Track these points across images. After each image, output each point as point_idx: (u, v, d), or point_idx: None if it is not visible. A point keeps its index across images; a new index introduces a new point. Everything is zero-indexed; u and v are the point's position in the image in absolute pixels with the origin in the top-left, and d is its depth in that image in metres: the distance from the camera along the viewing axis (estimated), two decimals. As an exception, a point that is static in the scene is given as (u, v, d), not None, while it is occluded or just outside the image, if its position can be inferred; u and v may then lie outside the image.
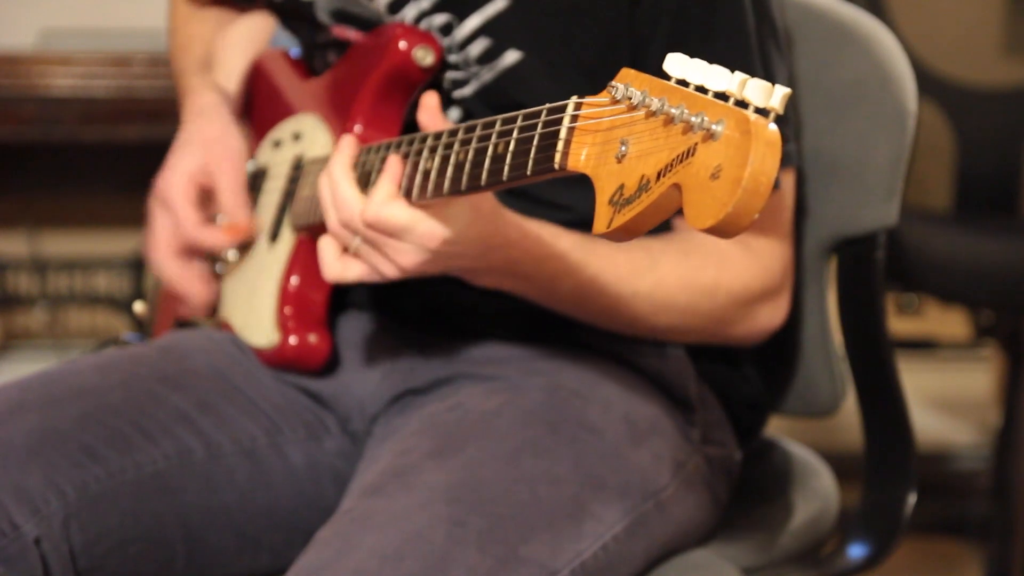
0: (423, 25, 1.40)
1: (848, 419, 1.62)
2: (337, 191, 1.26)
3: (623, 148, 0.96)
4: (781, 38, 1.40)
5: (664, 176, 0.91)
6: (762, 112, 0.88)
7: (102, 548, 1.30)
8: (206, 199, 1.47)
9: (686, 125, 0.90)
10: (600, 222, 0.96)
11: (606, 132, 0.99)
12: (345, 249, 1.28)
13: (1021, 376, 2.67)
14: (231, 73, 1.60)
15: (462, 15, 1.38)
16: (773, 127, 0.87)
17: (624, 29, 1.34)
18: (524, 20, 1.36)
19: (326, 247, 1.29)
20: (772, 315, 1.41)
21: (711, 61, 1.33)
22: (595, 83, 1.03)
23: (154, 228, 1.48)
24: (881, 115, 1.50)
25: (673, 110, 0.91)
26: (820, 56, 1.53)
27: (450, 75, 1.40)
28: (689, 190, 0.90)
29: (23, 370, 1.45)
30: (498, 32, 1.36)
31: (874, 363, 1.53)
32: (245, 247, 1.51)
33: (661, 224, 1.38)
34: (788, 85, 1.33)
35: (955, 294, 2.60)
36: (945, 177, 2.80)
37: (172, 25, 1.70)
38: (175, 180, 1.46)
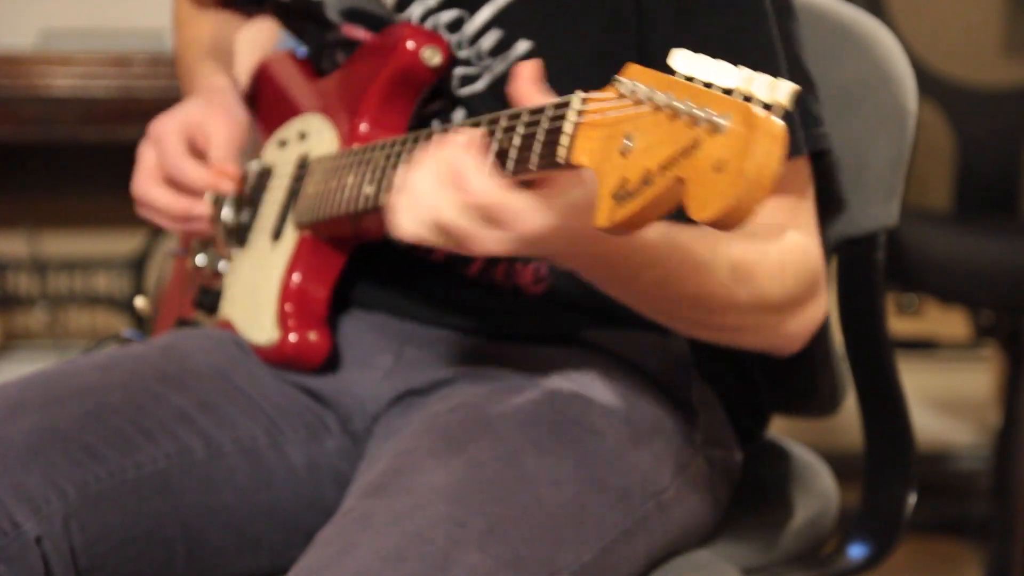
0: (429, 23, 1.40)
1: (848, 419, 1.62)
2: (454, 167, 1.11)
3: (627, 143, 0.95)
4: (793, 7, 1.37)
5: (667, 169, 0.91)
6: (769, 108, 0.88)
7: (103, 547, 1.30)
8: (196, 154, 1.47)
9: (691, 119, 0.90)
10: (601, 215, 0.96)
11: (611, 127, 0.98)
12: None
13: (1021, 376, 2.67)
14: (241, 73, 1.60)
15: (473, 8, 1.38)
16: (779, 121, 0.87)
17: (631, 8, 1.34)
18: (533, 8, 1.36)
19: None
20: (815, 312, 1.32)
21: (723, 35, 1.30)
22: (604, 66, 1.02)
23: (139, 163, 1.48)
24: (881, 115, 1.50)
25: (679, 104, 0.91)
26: (820, 56, 1.53)
27: (459, 71, 1.39)
28: (692, 183, 0.90)
29: (23, 370, 1.45)
30: (509, 22, 1.37)
31: (874, 363, 1.53)
32: (240, 244, 1.51)
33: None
34: (804, 48, 1.29)
35: (955, 294, 2.60)
36: (945, 177, 2.80)
37: (177, 22, 1.71)
38: (169, 123, 1.47)
